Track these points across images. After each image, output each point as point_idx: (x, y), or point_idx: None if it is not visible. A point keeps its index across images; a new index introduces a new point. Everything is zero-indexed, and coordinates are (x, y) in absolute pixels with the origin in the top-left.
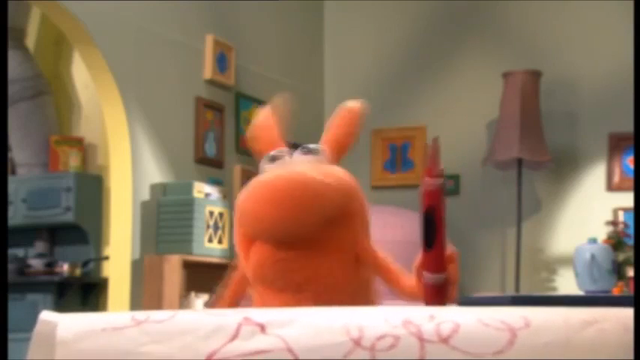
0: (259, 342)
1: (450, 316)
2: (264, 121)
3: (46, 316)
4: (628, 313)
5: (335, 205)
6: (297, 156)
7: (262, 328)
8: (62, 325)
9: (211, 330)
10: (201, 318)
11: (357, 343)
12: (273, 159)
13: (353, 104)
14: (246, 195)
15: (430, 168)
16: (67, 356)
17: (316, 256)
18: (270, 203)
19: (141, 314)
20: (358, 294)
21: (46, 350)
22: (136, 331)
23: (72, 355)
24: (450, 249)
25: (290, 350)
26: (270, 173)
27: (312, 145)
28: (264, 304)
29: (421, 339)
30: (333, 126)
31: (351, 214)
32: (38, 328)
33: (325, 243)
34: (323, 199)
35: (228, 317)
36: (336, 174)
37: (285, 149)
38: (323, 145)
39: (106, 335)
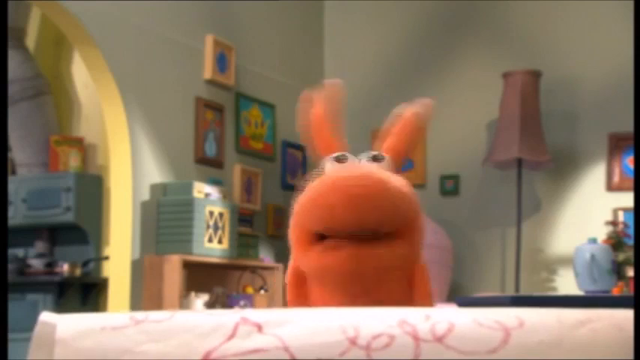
0: (256, 341)
1: (446, 317)
2: (317, 115)
3: (46, 317)
4: (622, 313)
5: (402, 211)
6: (364, 161)
7: (259, 327)
8: (61, 325)
9: (209, 329)
10: (199, 318)
11: (352, 342)
12: (339, 160)
13: (413, 111)
14: (314, 188)
15: None
16: (66, 355)
17: (378, 273)
18: (342, 193)
19: (139, 314)
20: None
21: (45, 350)
22: (134, 330)
23: (71, 353)
24: None
25: (286, 349)
26: (346, 170)
27: (378, 153)
28: (318, 298)
29: (416, 338)
30: (394, 133)
31: (416, 229)
32: (37, 329)
33: (390, 259)
34: (394, 200)
35: (226, 317)
36: (404, 184)
37: (347, 153)
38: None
39: (104, 334)
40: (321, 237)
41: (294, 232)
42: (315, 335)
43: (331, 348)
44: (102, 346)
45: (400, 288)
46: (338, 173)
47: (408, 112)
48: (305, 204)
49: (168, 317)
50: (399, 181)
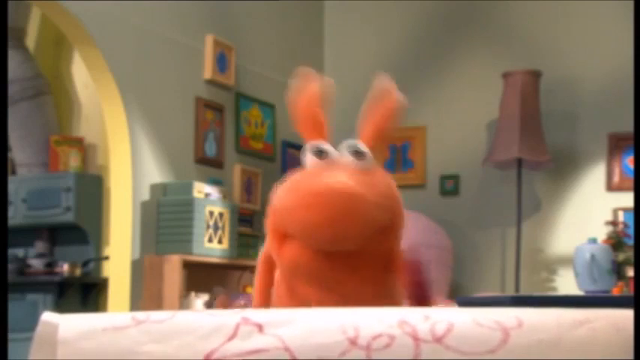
0: (257, 341)
1: (445, 317)
2: (308, 99)
3: (48, 317)
4: (620, 313)
5: (379, 223)
6: (345, 156)
7: (260, 328)
8: (63, 325)
9: (210, 330)
10: (200, 318)
11: (353, 342)
12: (320, 153)
13: (391, 94)
14: (291, 195)
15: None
16: (68, 355)
17: (351, 264)
18: (318, 212)
19: (141, 314)
20: (384, 298)
21: (48, 350)
22: (136, 330)
23: (74, 354)
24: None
25: (287, 349)
26: (319, 179)
27: (360, 147)
28: (293, 293)
29: (416, 338)
30: (373, 118)
31: (391, 228)
32: (39, 329)
33: (362, 254)
34: (369, 217)
35: (227, 317)
36: (383, 188)
37: (329, 146)
38: (363, 139)
39: (107, 335)
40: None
41: (270, 227)
42: (315, 336)
43: (331, 348)
44: (104, 347)
45: (374, 273)
46: (319, 181)
47: (387, 98)
48: (285, 209)
49: (169, 317)
50: (380, 185)
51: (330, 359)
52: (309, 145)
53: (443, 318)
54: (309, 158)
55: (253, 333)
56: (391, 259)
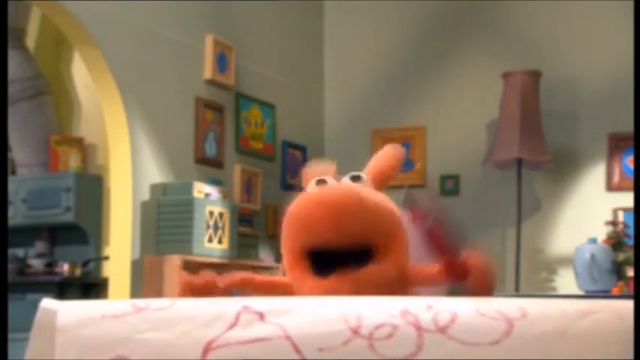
0: (258, 330)
1: (448, 306)
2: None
3: (47, 303)
4: (623, 304)
5: (388, 228)
6: (345, 180)
7: (261, 316)
8: (62, 312)
9: (211, 318)
10: (200, 306)
11: (355, 331)
12: (320, 182)
13: (397, 148)
14: (299, 206)
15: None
16: (67, 342)
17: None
18: (326, 213)
19: (141, 302)
20: None
21: (47, 336)
22: (135, 318)
23: (72, 341)
24: (470, 257)
25: (288, 338)
26: (324, 187)
27: (359, 174)
28: None
29: (419, 328)
30: (377, 159)
31: (402, 246)
32: (39, 315)
33: (377, 281)
34: (380, 217)
35: (228, 305)
36: (387, 202)
37: (330, 177)
38: (366, 174)
39: (106, 322)
40: (313, 264)
41: (285, 259)
42: (317, 324)
43: (333, 337)
44: (103, 333)
45: (391, 290)
46: (319, 191)
47: (393, 146)
48: (287, 225)
49: (169, 305)
50: (378, 196)
51: (332, 348)
52: (313, 180)
53: (445, 308)
54: (310, 189)
55: (254, 321)
56: (409, 276)
